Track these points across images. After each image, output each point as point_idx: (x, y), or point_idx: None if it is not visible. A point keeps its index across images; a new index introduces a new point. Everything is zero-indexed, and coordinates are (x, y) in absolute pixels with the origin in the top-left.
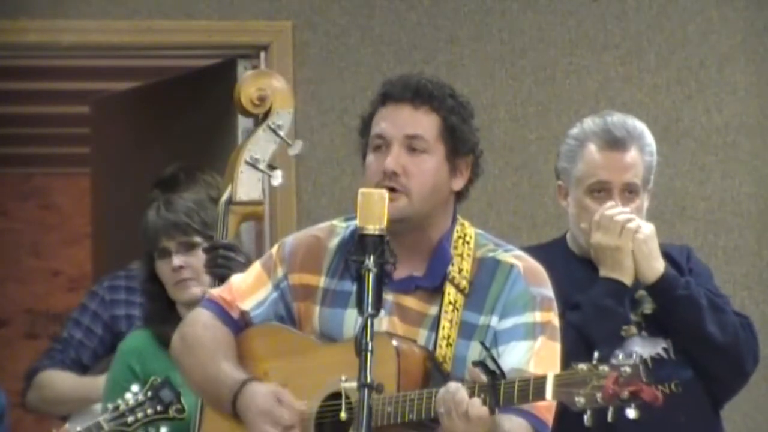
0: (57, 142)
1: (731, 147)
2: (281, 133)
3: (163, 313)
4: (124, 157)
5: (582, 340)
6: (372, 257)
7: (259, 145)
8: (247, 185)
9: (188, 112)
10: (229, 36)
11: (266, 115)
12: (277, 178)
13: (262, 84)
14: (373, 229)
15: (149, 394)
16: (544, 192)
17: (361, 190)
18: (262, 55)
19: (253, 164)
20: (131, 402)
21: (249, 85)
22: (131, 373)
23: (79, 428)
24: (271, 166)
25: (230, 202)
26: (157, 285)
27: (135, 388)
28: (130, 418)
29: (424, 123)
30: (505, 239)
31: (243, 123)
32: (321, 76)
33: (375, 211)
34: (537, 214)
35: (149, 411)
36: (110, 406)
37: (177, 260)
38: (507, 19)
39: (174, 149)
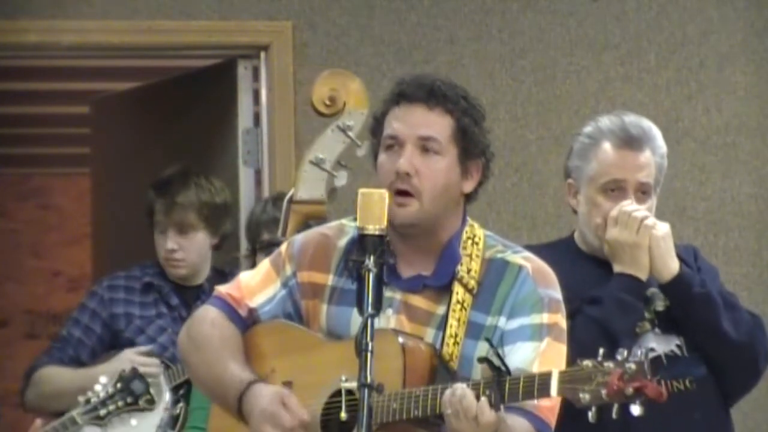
0: (57, 142)
1: (731, 147)
2: (350, 134)
3: None
4: (124, 157)
5: (603, 333)
6: (372, 257)
7: (326, 145)
8: (309, 184)
9: (188, 113)
10: (229, 36)
11: (339, 115)
12: (342, 178)
13: (335, 84)
14: (373, 229)
15: (119, 386)
16: (544, 192)
17: (361, 191)
18: (262, 55)
19: (317, 164)
20: (102, 394)
21: (322, 85)
22: None
23: (53, 423)
24: (341, 165)
25: (291, 200)
26: None
27: (103, 379)
28: (102, 411)
29: (438, 124)
30: (505, 239)
31: (243, 123)
32: None
33: (375, 211)
34: (537, 214)
35: (120, 403)
36: (81, 399)
37: None
38: (507, 19)
39: (174, 149)
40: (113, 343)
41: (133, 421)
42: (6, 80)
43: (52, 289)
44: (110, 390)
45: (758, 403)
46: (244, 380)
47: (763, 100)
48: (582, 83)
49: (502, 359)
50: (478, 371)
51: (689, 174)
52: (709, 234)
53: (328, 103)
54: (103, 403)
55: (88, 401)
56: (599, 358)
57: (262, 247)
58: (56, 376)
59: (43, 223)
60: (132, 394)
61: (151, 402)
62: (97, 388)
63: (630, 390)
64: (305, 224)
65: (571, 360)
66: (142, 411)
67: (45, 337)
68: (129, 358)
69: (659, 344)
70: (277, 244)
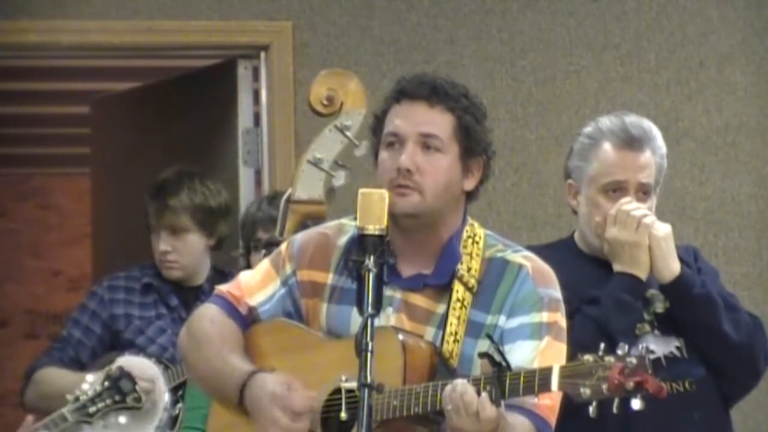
0: (57, 142)
1: (731, 147)
2: (348, 134)
3: None
4: (124, 157)
5: (602, 333)
6: (372, 257)
7: (324, 145)
8: (307, 184)
9: (188, 112)
10: (229, 36)
11: (337, 115)
12: (340, 178)
13: (333, 84)
14: (373, 229)
15: (106, 384)
16: (544, 192)
17: (361, 191)
18: (262, 55)
19: (315, 164)
20: (90, 392)
21: (319, 85)
22: None
23: (44, 420)
24: (339, 165)
25: (289, 200)
26: None
27: (90, 378)
28: (92, 409)
29: (439, 122)
30: (505, 239)
31: (243, 123)
32: None
33: (375, 211)
34: (537, 214)
35: (108, 401)
36: (70, 397)
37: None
38: (507, 19)
39: (174, 149)
40: (113, 343)
41: (122, 419)
42: (6, 80)
43: (52, 289)
44: (98, 388)
45: (758, 403)
46: (246, 371)
47: (763, 100)
48: (582, 83)
49: (503, 354)
50: (478, 369)
51: (689, 174)
52: (709, 234)
53: (325, 103)
54: (92, 400)
55: (77, 399)
56: (600, 353)
57: (257, 246)
58: (56, 376)
59: (43, 223)
60: (120, 392)
61: (139, 400)
62: (85, 386)
63: (631, 384)
64: (303, 224)
65: (571, 358)
66: (130, 409)
67: (45, 337)
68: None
69: (659, 346)
70: (276, 243)
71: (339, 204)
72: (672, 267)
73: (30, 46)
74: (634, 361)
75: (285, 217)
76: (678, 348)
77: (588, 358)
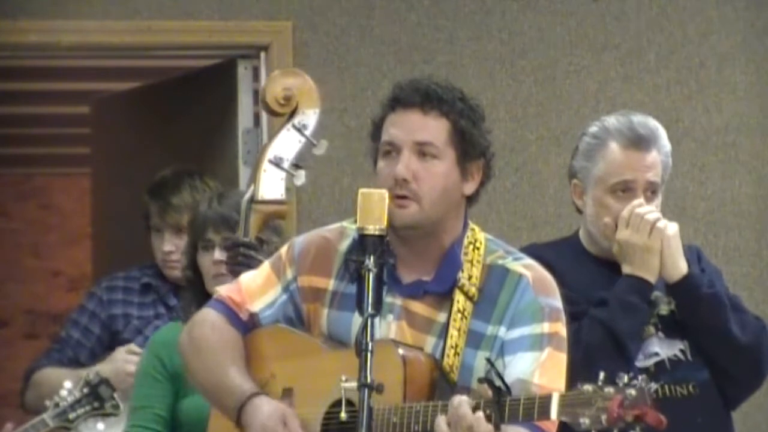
0: (57, 142)
1: (731, 147)
2: (306, 133)
3: (198, 302)
4: (124, 157)
5: (609, 335)
6: (372, 257)
7: (284, 144)
8: (269, 184)
9: (188, 112)
10: (229, 36)
11: (292, 114)
12: (301, 177)
13: (288, 83)
14: (373, 229)
15: (85, 390)
16: (544, 192)
17: (361, 191)
18: (262, 55)
19: (276, 163)
20: (69, 399)
21: (275, 85)
22: (160, 364)
23: (24, 425)
24: (297, 166)
25: (252, 200)
26: (197, 274)
27: (68, 384)
28: (72, 415)
29: (434, 128)
30: (505, 239)
31: (243, 123)
32: (321, 76)
33: (375, 211)
34: (537, 214)
35: (87, 407)
36: (49, 403)
37: (218, 254)
38: (507, 19)
39: (174, 149)
40: (112, 343)
41: (100, 425)
42: (6, 80)
43: (52, 289)
44: (77, 394)
45: (758, 403)
46: (245, 391)
47: (763, 100)
48: (582, 83)
49: (502, 378)
50: (481, 374)
51: (689, 174)
52: (709, 234)
53: (282, 102)
54: (72, 407)
55: (56, 405)
56: (599, 383)
57: (206, 246)
58: (55, 377)
59: (43, 223)
60: (99, 398)
61: (117, 407)
62: (63, 393)
63: (630, 417)
64: (268, 224)
65: (576, 364)
66: (108, 416)
67: (45, 337)
68: (122, 358)
69: (662, 348)
70: (241, 245)
71: (341, 204)
72: (680, 266)
73: (30, 46)
74: (633, 392)
75: (248, 217)
76: (682, 351)
77: (588, 387)
